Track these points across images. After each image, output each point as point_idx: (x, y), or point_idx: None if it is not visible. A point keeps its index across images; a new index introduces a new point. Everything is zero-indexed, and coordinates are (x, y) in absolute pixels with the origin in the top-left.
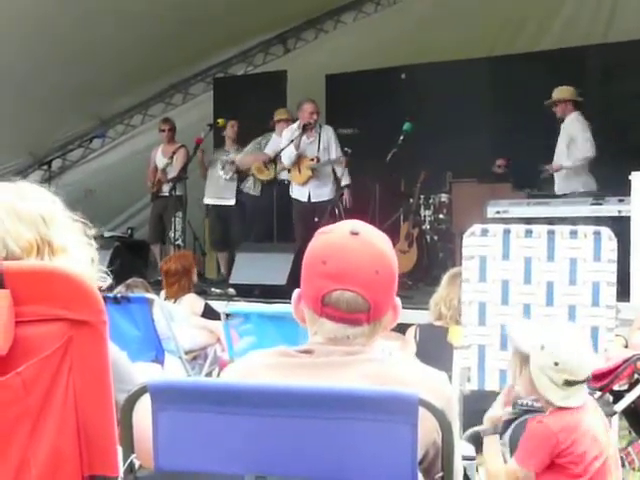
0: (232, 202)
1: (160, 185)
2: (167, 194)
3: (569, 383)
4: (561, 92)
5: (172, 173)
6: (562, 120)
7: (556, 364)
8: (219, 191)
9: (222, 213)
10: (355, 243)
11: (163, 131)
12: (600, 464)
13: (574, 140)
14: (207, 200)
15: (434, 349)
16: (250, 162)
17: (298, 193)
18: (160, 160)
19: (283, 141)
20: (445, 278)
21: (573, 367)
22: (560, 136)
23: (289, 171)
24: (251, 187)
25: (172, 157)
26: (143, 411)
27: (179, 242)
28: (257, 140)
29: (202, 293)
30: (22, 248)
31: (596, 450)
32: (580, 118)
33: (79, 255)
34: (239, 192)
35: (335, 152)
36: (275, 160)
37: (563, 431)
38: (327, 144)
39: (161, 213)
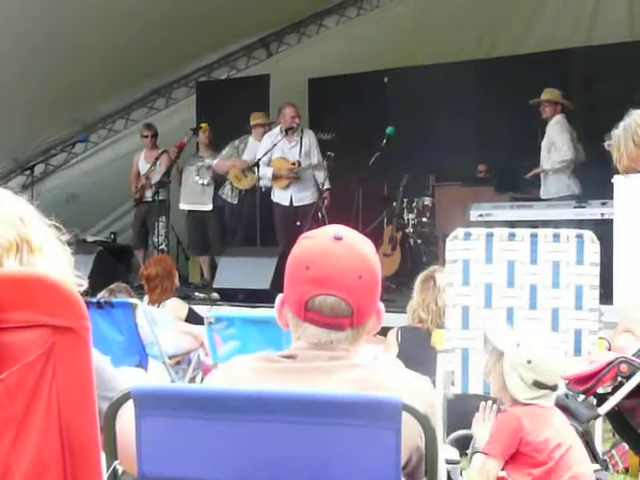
0: (209, 207)
1: (144, 191)
2: (150, 199)
3: (538, 384)
4: (550, 94)
5: (156, 178)
6: (546, 122)
7: (529, 362)
8: (195, 197)
9: (199, 218)
10: (338, 248)
11: (146, 137)
12: (563, 452)
13: (554, 143)
14: (182, 206)
15: (416, 351)
16: (228, 167)
17: (280, 197)
18: (143, 166)
19: (262, 146)
20: (417, 284)
21: (544, 368)
22: (544, 139)
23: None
24: (228, 194)
25: (155, 163)
26: (127, 417)
27: (163, 247)
28: (234, 144)
29: (186, 297)
30: (2, 247)
31: (558, 439)
32: (562, 121)
33: (56, 256)
34: (216, 197)
35: (316, 156)
36: (253, 167)
37: (525, 416)
38: (308, 148)
39: (144, 218)
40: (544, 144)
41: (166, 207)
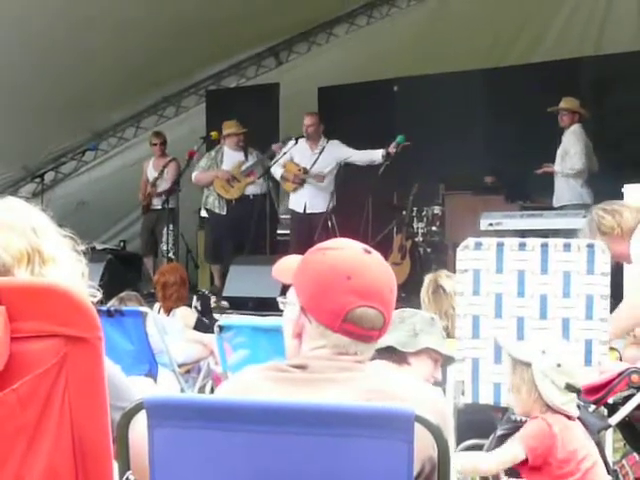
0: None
1: (150, 198)
2: (159, 207)
3: (569, 387)
4: (568, 102)
5: (163, 186)
6: (562, 131)
7: (559, 365)
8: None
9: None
10: (372, 261)
11: (155, 145)
12: (589, 466)
13: (567, 152)
14: (204, 212)
15: None
16: (210, 178)
17: (294, 204)
18: (151, 173)
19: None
20: (427, 297)
21: (573, 369)
22: (559, 147)
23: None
24: (214, 204)
25: (163, 170)
26: (139, 427)
27: (170, 255)
28: (211, 155)
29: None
30: (13, 257)
31: (584, 451)
32: (578, 131)
33: (69, 267)
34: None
35: (327, 167)
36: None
37: (557, 424)
38: (328, 161)
39: (153, 226)
40: (559, 152)
41: (175, 215)
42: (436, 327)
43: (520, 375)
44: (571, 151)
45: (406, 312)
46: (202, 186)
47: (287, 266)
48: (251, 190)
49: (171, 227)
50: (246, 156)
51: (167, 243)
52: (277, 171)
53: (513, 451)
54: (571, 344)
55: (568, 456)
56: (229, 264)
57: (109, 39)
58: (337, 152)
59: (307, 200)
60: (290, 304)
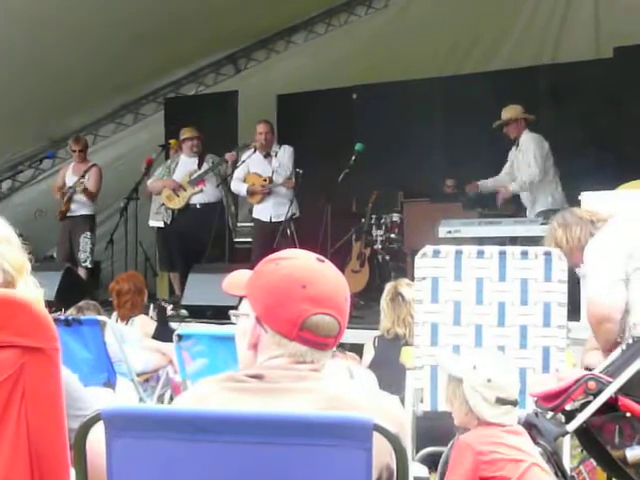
0: None
1: (69, 204)
2: (77, 214)
3: (500, 401)
4: (510, 111)
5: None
6: (515, 140)
7: (489, 381)
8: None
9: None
10: (326, 269)
11: (74, 151)
12: (526, 467)
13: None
14: (152, 222)
15: (391, 357)
16: (160, 187)
17: (259, 213)
18: (70, 178)
19: (240, 162)
20: (385, 304)
21: (504, 384)
22: (516, 156)
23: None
24: (164, 214)
25: (84, 175)
26: (97, 438)
27: (87, 264)
28: (166, 164)
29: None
30: (15, 269)
31: (518, 455)
32: (528, 138)
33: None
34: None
35: (287, 171)
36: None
37: (481, 443)
38: (279, 164)
39: (70, 235)
40: (522, 160)
41: (90, 222)
42: None
43: (452, 390)
44: (522, 163)
45: None
46: (153, 195)
47: (238, 280)
48: (198, 199)
49: (89, 235)
50: (200, 164)
51: (85, 252)
52: (241, 188)
53: None
54: (529, 351)
55: (497, 469)
56: (184, 272)
57: (64, 44)
58: (283, 161)
59: (272, 208)
60: (243, 316)
